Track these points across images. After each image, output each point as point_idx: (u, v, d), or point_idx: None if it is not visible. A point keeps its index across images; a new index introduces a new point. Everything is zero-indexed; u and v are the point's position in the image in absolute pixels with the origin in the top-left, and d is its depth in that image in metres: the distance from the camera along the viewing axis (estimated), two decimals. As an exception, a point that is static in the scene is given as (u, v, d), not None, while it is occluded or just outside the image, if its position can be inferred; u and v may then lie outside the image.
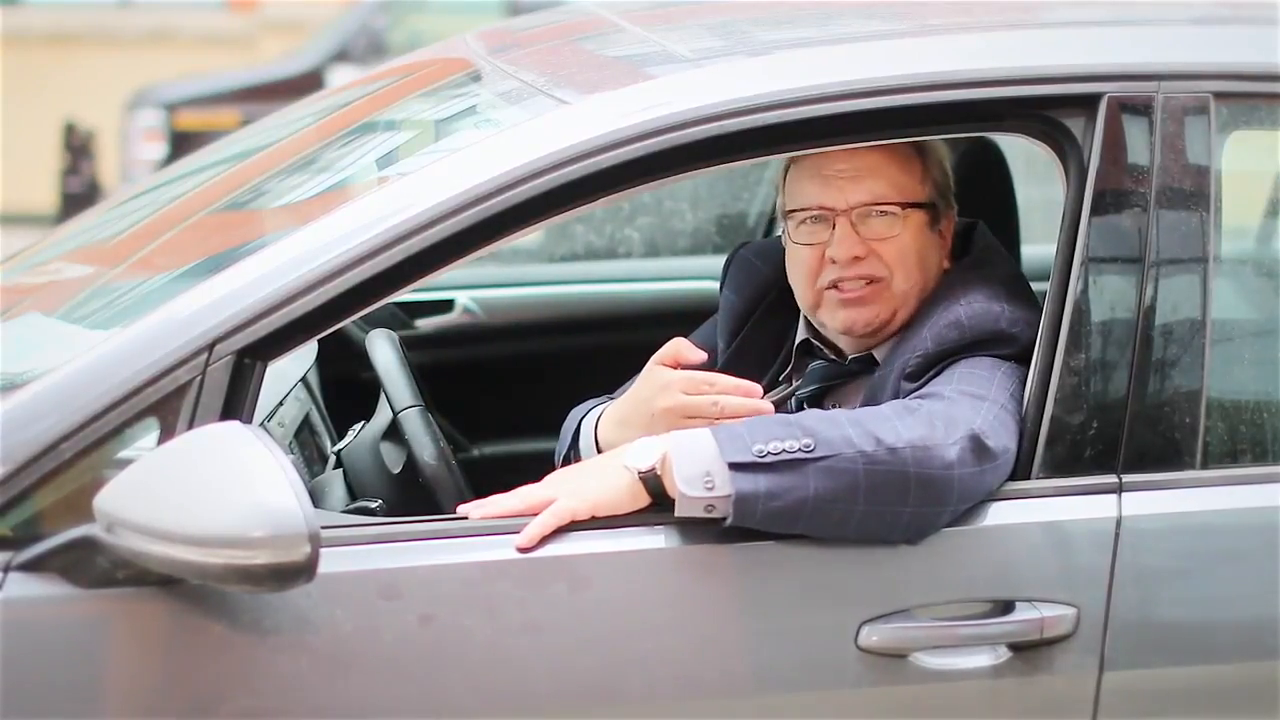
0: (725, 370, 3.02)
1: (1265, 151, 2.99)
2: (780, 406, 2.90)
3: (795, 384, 2.92)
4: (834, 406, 2.85)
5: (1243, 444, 2.68)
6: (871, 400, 2.74)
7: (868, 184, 2.80)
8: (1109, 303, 2.62)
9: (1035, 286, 2.85)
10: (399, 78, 3.44)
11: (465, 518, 2.54)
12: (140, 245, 3.11)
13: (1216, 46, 2.81)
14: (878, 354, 2.86)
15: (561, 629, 2.47)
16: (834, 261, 2.81)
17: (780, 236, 2.98)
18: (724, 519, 2.48)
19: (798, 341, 2.95)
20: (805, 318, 2.94)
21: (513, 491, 2.55)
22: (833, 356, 2.90)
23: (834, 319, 2.86)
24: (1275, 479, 2.66)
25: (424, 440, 3.07)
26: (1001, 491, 2.57)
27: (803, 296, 2.88)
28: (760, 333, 3.03)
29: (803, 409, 2.84)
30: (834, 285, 2.82)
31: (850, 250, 2.80)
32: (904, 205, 2.81)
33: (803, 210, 2.84)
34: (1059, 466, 2.60)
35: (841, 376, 2.88)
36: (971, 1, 3.16)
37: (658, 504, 2.51)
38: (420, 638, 2.44)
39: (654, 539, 2.51)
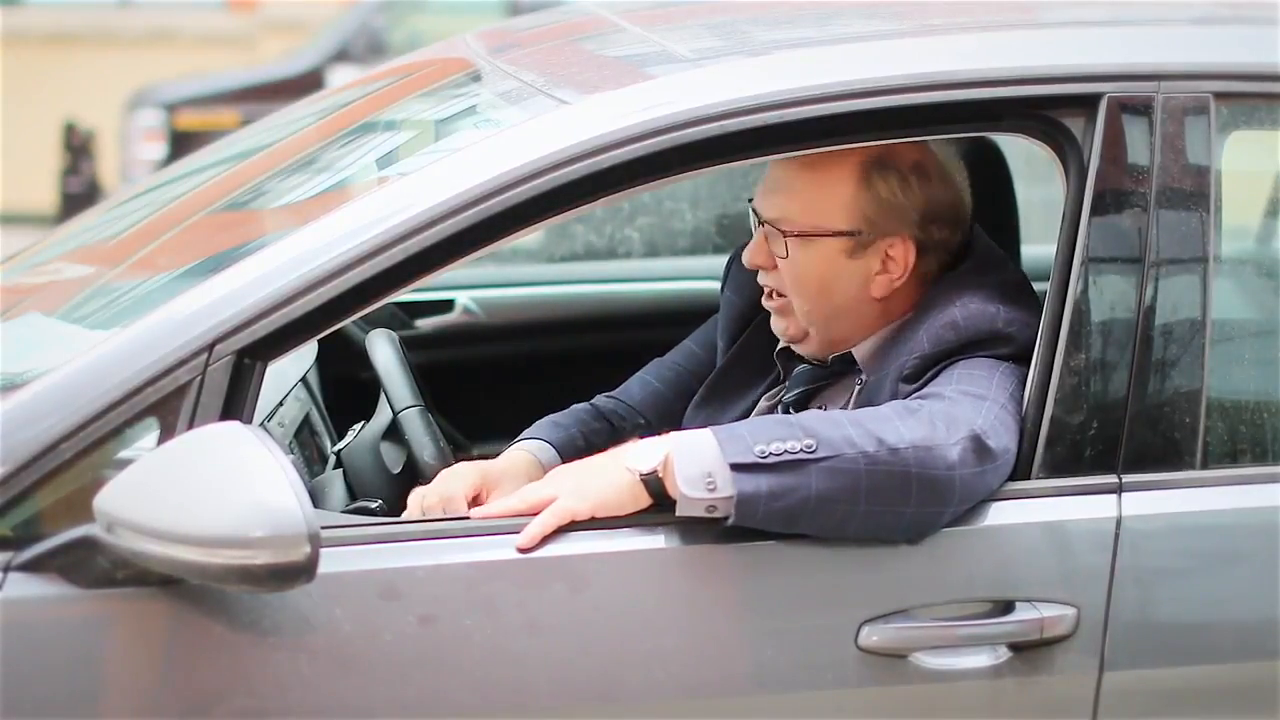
0: (724, 373, 3.03)
1: (1265, 151, 2.99)
2: (770, 411, 2.91)
3: (781, 389, 2.93)
4: (821, 409, 2.85)
5: (1243, 444, 2.68)
6: (868, 403, 2.73)
7: (778, 200, 2.81)
8: (1109, 303, 2.62)
9: (1035, 287, 2.85)
10: (399, 78, 3.44)
11: (466, 518, 2.54)
12: (140, 245, 3.11)
13: (1216, 46, 2.81)
14: (857, 354, 2.85)
15: (561, 629, 2.47)
16: None
17: None
18: (725, 519, 2.48)
19: (778, 349, 2.95)
20: None
21: (516, 491, 2.56)
22: (814, 360, 2.90)
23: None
24: (1275, 479, 2.66)
25: (424, 440, 3.07)
26: (1001, 491, 2.57)
27: None
28: (761, 334, 3.03)
29: (789, 414, 2.84)
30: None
31: (752, 258, 2.85)
32: (792, 232, 2.78)
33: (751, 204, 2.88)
34: (1059, 466, 2.60)
35: (825, 379, 2.88)
36: (971, 1, 3.16)
37: (658, 505, 2.51)
38: (420, 638, 2.44)
39: (654, 539, 2.51)
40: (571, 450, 2.97)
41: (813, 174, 2.78)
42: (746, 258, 2.86)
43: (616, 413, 3.12)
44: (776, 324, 2.88)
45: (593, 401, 3.14)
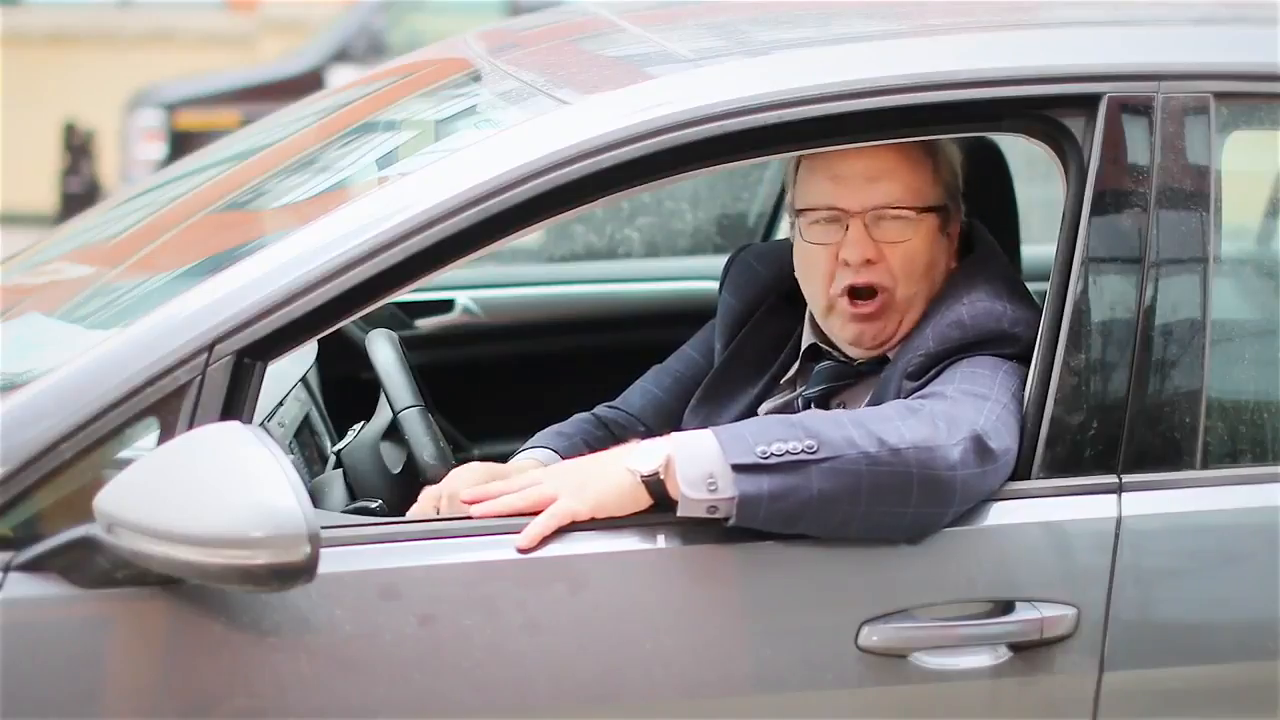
0: (721, 373, 3.03)
1: (1265, 151, 2.99)
2: (786, 408, 2.90)
3: (801, 387, 2.92)
4: (840, 407, 2.84)
5: (1243, 444, 2.68)
6: (876, 400, 2.73)
7: (883, 186, 2.79)
8: (1109, 303, 2.62)
9: (1035, 286, 2.85)
10: (399, 78, 3.44)
11: (467, 517, 2.54)
12: (140, 245, 3.11)
13: (1216, 46, 2.81)
14: (889, 353, 2.85)
15: (561, 629, 2.47)
16: (847, 264, 2.79)
17: (781, 239, 2.97)
18: (726, 520, 2.48)
19: (805, 346, 2.94)
20: (810, 320, 2.93)
21: (513, 480, 2.55)
22: (841, 358, 2.89)
23: (844, 331, 2.85)
24: (1275, 479, 2.66)
25: (424, 440, 3.07)
26: (1002, 491, 2.57)
27: (814, 298, 2.86)
28: (758, 335, 3.03)
29: (809, 410, 2.83)
30: (847, 295, 2.81)
31: (863, 253, 2.79)
32: (918, 209, 2.80)
33: (815, 210, 2.83)
34: (1059, 466, 2.60)
35: (850, 377, 2.87)
36: (971, 1, 3.16)
37: (659, 505, 2.51)
38: (420, 638, 2.44)
39: (654, 539, 2.51)
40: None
41: (902, 155, 2.80)
42: (857, 254, 2.78)
43: (617, 421, 3.11)
44: (866, 329, 2.81)
45: (593, 411, 3.13)
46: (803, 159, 2.86)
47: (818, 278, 2.84)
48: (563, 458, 2.94)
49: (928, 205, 2.81)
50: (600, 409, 3.14)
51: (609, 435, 3.06)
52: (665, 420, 3.09)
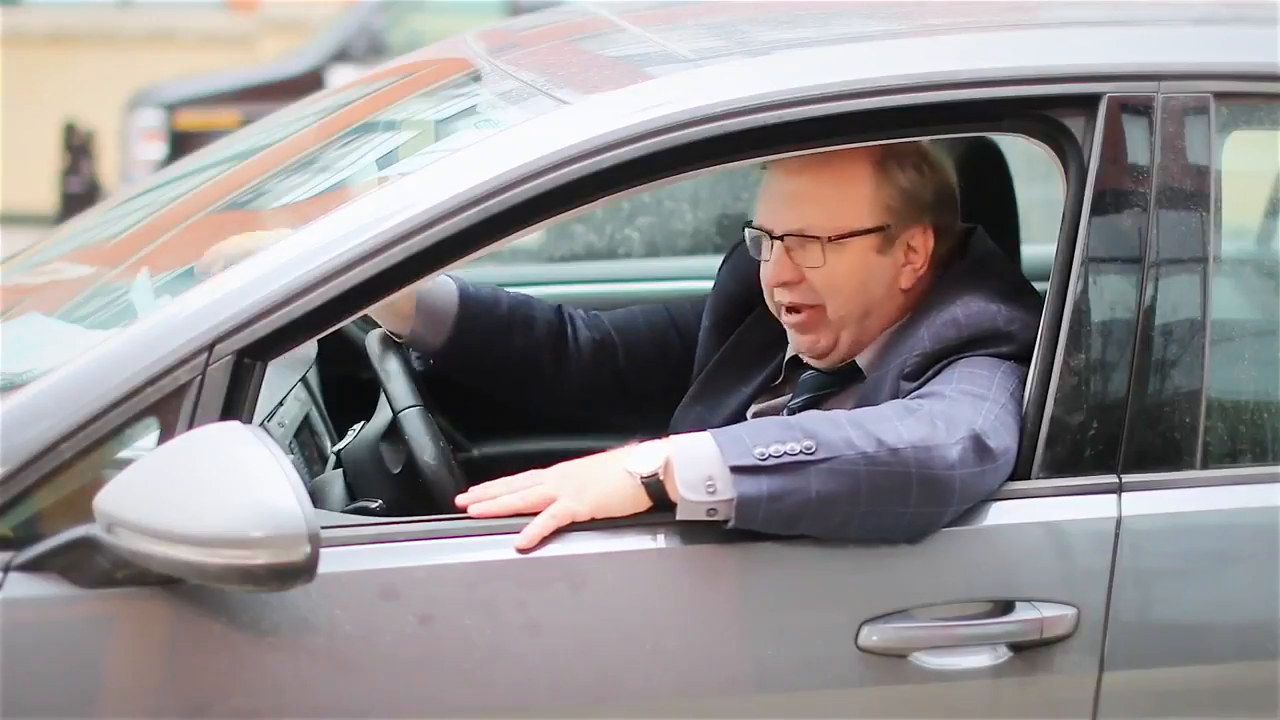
0: (716, 370, 3.03)
1: (1265, 151, 2.99)
2: (773, 415, 2.90)
3: (788, 396, 2.92)
4: (827, 413, 2.84)
5: (1243, 444, 2.68)
6: (867, 402, 2.73)
7: (799, 210, 2.80)
8: (1109, 303, 2.62)
9: (1035, 286, 2.85)
10: (399, 78, 3.44)
11: (466, 517, 2.53)
12: (140, 245, 3.11)
13: (1216, 46, 2.81)
14: (860, 361, 2.85)
15: (561, 629, 2.47)
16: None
17: None
18: (726, 521, 2.48)
19: (788, 356, 2.95)
20: None
21: (514, 481, 2.55)
22: (823, 369, 2.89)
23: (791, 340, 2.89)
24: (1275, 479, 2.66)
25: (424, 440, 3.07)
26: (1001, 491, 2.57)
27: (770, 307, 2.90)
28: (755, 335, 3.03)
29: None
30: (783, 308, 2.85)
31: (777, 276, 2.83)
32: (836, 236, 2.78)
33: (752, 228, 2.86)
34: (1059, 466, 2.60)
35: (832, 386, 2.88)
36: (971, 1, 3.16)
37: (658, 507, 2.51)
38: (420, 638, 2.44)
39: (654, 539, 2.51)
40: (473, 307, 3.09)
41: (830, 177, 2.78)
42: (771, 277, 2.83)
43: (573, 320, 3.18)
44: (801, 340, 2.86)
45: (563, 307, 3.21)
46: (764, 171, 2.87)
47: (765, 291, 2.88)
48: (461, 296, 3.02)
49: (851, 230, 2.79)
50: (579, 309, 3.21)
51: (557, 326, 3.16)
52: (629, 332, 3.17)
